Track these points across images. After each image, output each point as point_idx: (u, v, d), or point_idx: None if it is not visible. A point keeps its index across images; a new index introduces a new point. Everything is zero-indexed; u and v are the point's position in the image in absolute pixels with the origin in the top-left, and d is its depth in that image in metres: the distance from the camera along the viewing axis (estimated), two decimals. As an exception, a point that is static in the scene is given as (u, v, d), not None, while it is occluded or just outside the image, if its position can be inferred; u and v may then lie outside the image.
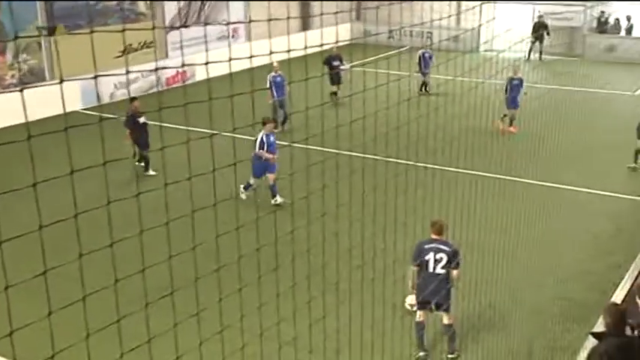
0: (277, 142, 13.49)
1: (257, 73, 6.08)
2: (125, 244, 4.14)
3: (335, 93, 21.71)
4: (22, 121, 17.44)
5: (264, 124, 13.38)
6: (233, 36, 30.03)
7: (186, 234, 4.46)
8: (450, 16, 29.02)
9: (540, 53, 30.40)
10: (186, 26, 27.29)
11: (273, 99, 18.93)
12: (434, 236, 8.49)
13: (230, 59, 4.57)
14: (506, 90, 19.00)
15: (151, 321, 4.20)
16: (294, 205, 5.15)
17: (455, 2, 31.00)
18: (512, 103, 18.96)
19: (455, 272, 8.44)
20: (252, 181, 13.82)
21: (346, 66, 21.95)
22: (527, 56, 30.02)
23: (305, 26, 32.23)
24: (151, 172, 15.57)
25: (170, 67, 24.00)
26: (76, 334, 3.94)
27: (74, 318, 4.11)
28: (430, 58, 23.85)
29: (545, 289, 10.69)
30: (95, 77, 3.76)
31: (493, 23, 29.49)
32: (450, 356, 8.91)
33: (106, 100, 23.68)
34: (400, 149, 6.89)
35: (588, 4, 31.37)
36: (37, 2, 22.04)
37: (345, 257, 6.18)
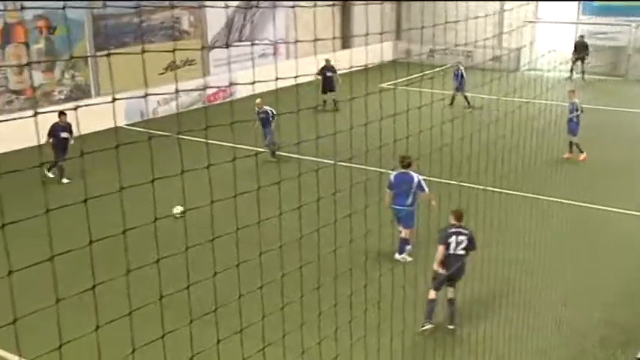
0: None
1: (297, 90, 6.09)
2: (172, 261, 4.19)
3: (324, 102, 24.43)
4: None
5: (405, 165, 11.76)
6: (274, 54, 30.33)
7: (231, 251, 4.50)
8: (492, 36, 28.97)
9: (583, 73, 30.09)
10: (227, 46, 27.66)
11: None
12: (454, 222, 9.82)
13: (255, 81, 4.62)
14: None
15: (195, 337, 4.23)
16: (337, 223, 5.15)
17: (497, 22, 30.90)
18: (567, 129, 18.36)
19: (472, 252, 9.83)
20: (403, 234, 11.93)
21: (338, 78, 24.39)
22: (569, 75, 29.73)
23: (346, 44, 32.39)
24: (65, 180, 17.05)
25: (212, 87, 24.37)
26: (123, 349, 3.99)
27: (121, 333, 4.16)
28: (459, 74, 24.09)
29: (587, 311, 10.47)
30: (145, 96, 3.82)
31: (535, 44, 29.28)
32: (449, 326, 9.92)
33: (149, 115, 24.10)
34: (443, 169, 6.85)
35: (633, 23, 30.94)
36: (86, 20, 22.63)
37: (388, 276, 6.15)
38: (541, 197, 12.91)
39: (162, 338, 3.98)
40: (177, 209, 12.90)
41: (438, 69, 25.42)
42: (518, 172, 9.04)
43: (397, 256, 11.72)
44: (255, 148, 4.52)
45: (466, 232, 9.83)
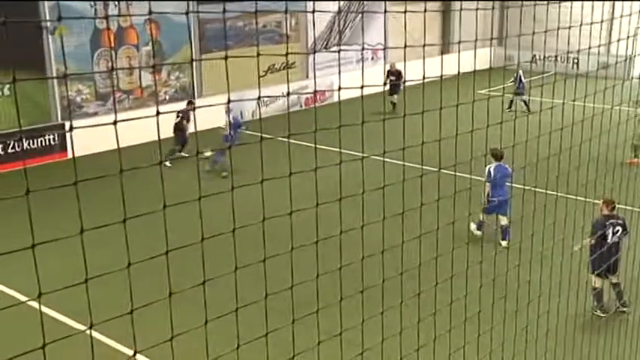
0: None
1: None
2: (276, 261, 4.26)
3: (393, 103, 26.00)
4: (170, 135, 18.67)
5: (500, 157, 12.79)
6: (372, 58, 30.37)
7: (334, 254, 4.53)
8: (605, 44, 27.93)
9: None
10: (324, 50, 27.89)
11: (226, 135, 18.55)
12: (608, 212, 10.60)
13: (363, 85, 4.61)
14: None
15: (296, 336, 4.29)
16: (440, 230, 5.09)
17: (605, 27, 29.66)
18: None
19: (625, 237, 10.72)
20: (481, 216, 13.16)
21: (401, 83, 25.49)
22: None
23: (444, 50, 31.99)
24: (183, 152, 19.53)
25: (326, 90, 24.63)
26: (226, 345, 4.09)
27: (226, 328, 4.27)
28: (519, 78, 25.34)
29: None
30: (259, 98, 3.91)
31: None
32: (624, 309, 10.86)
33: (247, 117, 24.66)
34: (550, 180, 6.65)
35: None
36: (192, 25, 23.43)
37: (488, 287, 6.02)
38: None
39: (265, 336, 4.05)
40: (207, 153, 17.14)
41: (541, 75, 24.69)
42: (630, 184, 8.65)
43: (504, 243, 12.49)
44: (359, 153, 4.55)
45: (620, 221, 10.69)
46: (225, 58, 3.25)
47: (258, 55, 3.64)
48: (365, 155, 5.11)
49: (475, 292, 5.78)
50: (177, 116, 19.26)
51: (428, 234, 5.11)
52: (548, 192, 8.09)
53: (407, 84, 25.64)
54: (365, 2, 29.41)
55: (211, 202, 4.04)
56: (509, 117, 5.90)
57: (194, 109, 19.40)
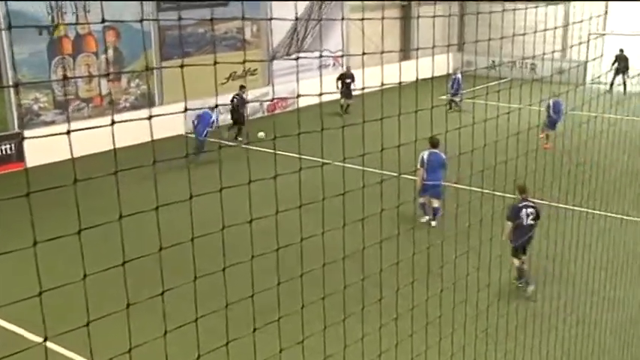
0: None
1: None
2: (237, 269, 4.24)
3: (342, 106, 25.73)
4: (132, 143, 18.44)
5: (435, 144, 13.85)
6: (334, 64, 30.49)
7: (295, 262, 4.52)
8: (561, 50, 28.52)
9: (624, 86, 29.50)
10: (279, 58, 27.88)
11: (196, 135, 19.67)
12: (521, 196, 11.27)
13: (321, 93, 4.63)
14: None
15: (258, 344, 4.26)
16: (400, 235, 5.11)
17: (561, 34, 30.31)
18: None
19: (538, 222, 11.27)
20: (420, 199, 14.07)
21: (356, 85, 25.92)
22: (609, 89, 29.18)
23: (404, 56, 32.28)
24: (240, 139, 20.84)
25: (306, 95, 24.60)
26: (188, 353, 4.06)
27: (187, 339, 4.22)
28: (456, 80, 26.09)
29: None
30: (216, 106, 3.89)
31: (603, 57, 28.59)
32: (527, 287, 10.98)
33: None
34: (508, 184, 6.74)
35: None
36: (152, 32, 23.24)
37: (449, 291, 6.07)
38: (609, 214, 12.57)
39: (226, 345, 4.02)
40: (261, 134, 18.52)
41: (500, 81, 25.11)
42: (584, 186, 8.83)
43: (433, 223, 13.84)
44: (320, 159, 4.59)
45: (532, 204, 11.34)
46: (182, 66, 3.23)
47: (215, 63, 3.62)
48: (326, 162, 5.12)
49: (436, 297, 5.83)
50: (232, 101, 21.14)
51: (388, 239, 5.13)
52: (506, 195, 8.25)
53: (367, 90, 25.80)
54: (324, 9, 29.53)
55: (171, 211, 4.00)
56: (462, 117, 5.96)
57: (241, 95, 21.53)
